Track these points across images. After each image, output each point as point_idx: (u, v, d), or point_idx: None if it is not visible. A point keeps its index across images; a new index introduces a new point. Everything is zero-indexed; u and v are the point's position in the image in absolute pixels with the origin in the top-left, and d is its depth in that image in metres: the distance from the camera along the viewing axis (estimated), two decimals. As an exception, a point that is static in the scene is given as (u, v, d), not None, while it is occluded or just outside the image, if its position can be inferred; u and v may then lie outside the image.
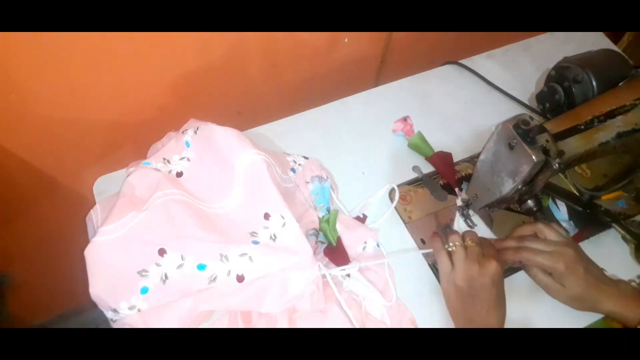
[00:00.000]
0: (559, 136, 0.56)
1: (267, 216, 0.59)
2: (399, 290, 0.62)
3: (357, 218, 0.68)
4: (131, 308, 0.53)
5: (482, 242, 0.60)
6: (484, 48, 0.90)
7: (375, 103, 0.81)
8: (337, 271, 0.59)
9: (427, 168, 0.75)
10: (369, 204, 0.70)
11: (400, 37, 0.89)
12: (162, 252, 0.54)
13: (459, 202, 0.69)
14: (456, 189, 0.71)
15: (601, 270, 0.59)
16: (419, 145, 0.75)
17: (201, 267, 0.54)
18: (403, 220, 0.69)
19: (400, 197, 0.70)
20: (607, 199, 0.72)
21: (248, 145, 0.61)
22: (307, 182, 0.67)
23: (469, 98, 0.83)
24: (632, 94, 0.59)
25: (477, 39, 0.91)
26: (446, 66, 0.87)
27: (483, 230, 0.67)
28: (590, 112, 0.58)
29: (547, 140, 0.54)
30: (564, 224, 0.70)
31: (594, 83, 0.63)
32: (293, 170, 0.68)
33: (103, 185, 0.69)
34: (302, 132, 0.77)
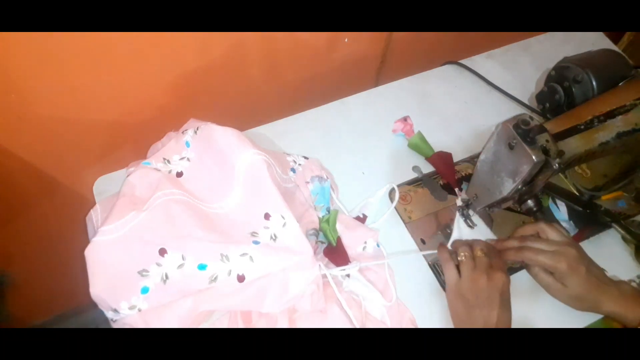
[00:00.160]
0: (559, 136, 0.56)
1: (267, 216, 0.59)
2: (399, 290, 0.62)
3: (357, 218, 0.68)
4: (131, 308, 0.53)
5: (490, 252, 0.60)
6: (484, 48, 0.90)
7: (375, 103, 0.81)
8: (337, 271, 0.59)
9: (427, 168, 0.75)
10: (369, 204, 0.70)
11: (400, 37, 0.89)
12: (162, 252, 0.54)
13: (459, 202, 0.69)
14: (456, 189, 0.71)
15: (602, 270, 0.59)
16: (419, 145, 0.75)
17: (202, 267, 0.54)
18: (403, 220, 0.69)
19: (400, 197, 0.70)
20: (607, 199, 0.72)
21: (248, 145, 0.61)
22: (307, 182, 0.67)
23: (469, 98, 0.83)
24: (632, 94, 0.59)
25: (477, 39, 0.91)
26: (446, 66, 0.87)
27: (483, 230, 0.67)
28: (590, 112, 0.58)
29: (547, 140, 0.54)
30: (564, 224, 0.70)
31: (594, 83, 0.63)
32: (293, 170, 0.68)
33: (103, 185, 0.69)
34: (302, 132, 0.77)
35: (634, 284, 0.64)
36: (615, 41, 1.08)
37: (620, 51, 0.89)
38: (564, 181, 0.74)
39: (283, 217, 0.59)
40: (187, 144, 0.65)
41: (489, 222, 0.69)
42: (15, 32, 0.53)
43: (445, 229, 0.69)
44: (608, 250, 0.68)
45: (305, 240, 0.58)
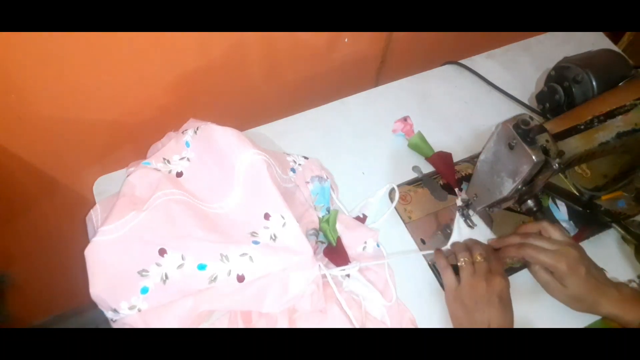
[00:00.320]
0: (559, 136, 0.56)
1: (267, 216, 0.59)
2: (399, 290, 0.62)
3: (357, 218, 0.68)
4: (131, 308, 0.53)
5: (489, 256, 0.60)
6: (484, 48, 0.90)
7: (375, 103, 0.81)
8: (337, 271, 0.59)
9: (427, 168, 0.75)
10: (369, 204, 0.70)
11: (400, 37, 0.89)
12: (162, 252, 0.54)
13: (459, 202, 0.69)
14: (456, 189, 0.71)
15: (603, 272, 0.59)
16: (419, 145, 0.75)
17: (201, 267, 0.54)
18: (403, 220, 0.69)
19: (400, 197, 0.70)
20: (607, 199, 0.72)
21: (248, 145, 0.61)
22: (307, 182, 0.67)
23: (469, 98, 0.83)
24: (632, 94, 0.59)
25: (477, 39, 0.91)
26: (446, 66, 0.87)
27: (483, 230, 0.67)
28: (590, 112, 0.58)
29: (547, 140, 0.54)
30: (564, 224, 0.70)
31: (594, 83, 0.63)
32: (293, 170, 0.68)
33: (103, 185, 0.69)
34: (302, 132, 0.77)
35: (634, 284, 0.64)
36: (615, 41, 1.08)
37: (620, 51, 0.89)
38: (564, 181, 0.74)
39: (283, 217, 0.59)
40: (187, 144, 0.65)
41: (489, 222, 0.69)
42: (15, 32, 0.53)
43: (445, 229, 0.69)
44: (608, 250, 0.68)
45: (305, 240, 0.58)
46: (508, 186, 0.56)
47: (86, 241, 0.55)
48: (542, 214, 0.64)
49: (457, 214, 0.68)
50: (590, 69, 0.63)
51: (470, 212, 0.67)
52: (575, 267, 0.57)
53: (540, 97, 0.71)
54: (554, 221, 0.69)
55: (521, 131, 0.52)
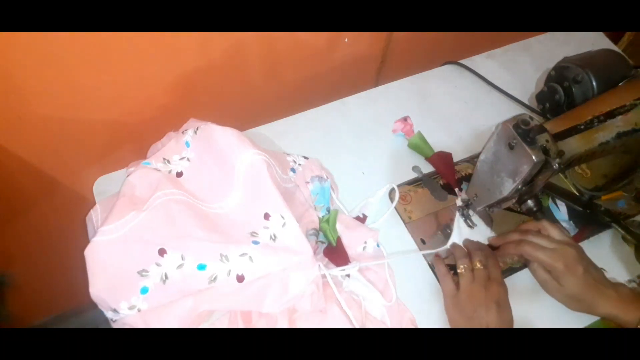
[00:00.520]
0: (559, 136, 0.56)
1: (267, 216, 0.59)
2: (399, 290, 0.62)
3: (357, 218, 0.68)
4: (131, 308, 0.53)
5: (488, 262, 0.60)
6: (484, 48, 0.89)
7: (375, 103, 0.81)
8: (337, 271, 0.59)
9: (427, 168, 0.75)
10: (369, 204, 0.70)
11: (400, 37, 0.89)
12: (162, 252, 0.54)
13: (459, 202, 0.69)
14: (456, 189, 0.71)
15: (602, 272, 0.59)
16: (419, 145, 0.75)
17: (201, 267, 0.54)
18: (403, 220, 0.69)
19: (400, 197, 0.70)
20: (607, 199, 0.72)
21: (248, 145, 0.61)
22: (307, 182, 0.67)
23: (469, 98, 0.83)
24: (632, 94, 0.59)
25: (477, 39, 0.91)
26: (446, 66, 0.87)
27: (483, 230, 0.67)
28: (590, 112, 0.58)
29: (547, 140, 0.54)
30: (564, 224, 0.70)
31: (594, 83, 0.63)
32: (293, 170, 0.68)
33: (103, 185, 0.69)
34: (302, 132, 0.77)
35: (634, 284, 0.64)
36: (615, 41, 1.08)
37: (620, 51, 0.89)
38: (564, 181, 0.74)
39: (283, 217, 0.59)
40: (187, 144, 0.65)
41: (489, 222, 0.69)
42: (15, 32, 0.53)
43: (445, 229, 0.69)
44: (608, 250, 0.68)
45: (305, 240, 0.58)
46: (508, 186, 0.56)
47: (86, 241, 0.55)
48: (542, 214, 0.64)
49: (457, 214, 0.68)
50: (590, 69, 0.63)
51: (470, 212, 0.67)
52: (572, 267, 0.57)
53: (540, 97, 0.71)
54: (554, 221, 0.69)
55: (521, 131, 0.52)
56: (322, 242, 0.64)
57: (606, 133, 0.58)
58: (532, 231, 0.62)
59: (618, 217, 0.70)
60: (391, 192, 0.71)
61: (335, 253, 0.62)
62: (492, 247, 0.65)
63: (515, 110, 0.81)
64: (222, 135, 0.62)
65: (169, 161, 0.64)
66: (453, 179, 0.72)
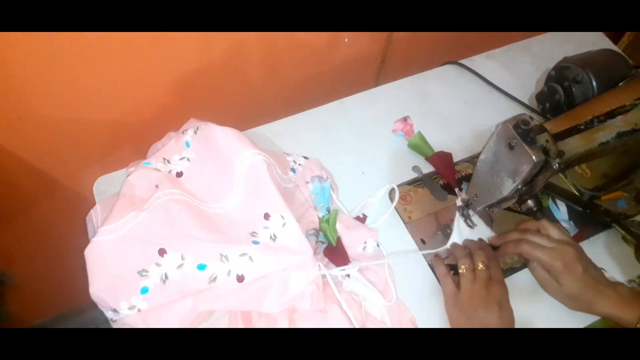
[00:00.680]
0: (559, 136, 0.56)
1: (267, 216, 0.59)
2: (399, 290, 0.62)
3: (357, 218, 0.68)
4: (131, 308, 0.53)
5: (489, 263, 0.60)
6: (484, 48, 0.89)
7: (375, 103, 0.81)
8: (337, 271, 0.59)
9: (427, 168, 0.75)
10: (369, 204, 0.70)
11: (400, 37, 0.89)
12: (162, 252, 0.54)
13: (459, 202, 0.69)
14: (456, 189, 0.71)
15: (601, 272, 0.59)
16: (419, 145, 0.75)
17: (201, 267, 0.54)
18: (403, 220, 0.69)
19: (400, 197, 0.70)
20: (607, 199, 0.72)
21: (248, 145, 0.61)
22: (307, 182, 0.67)
23: (469, 98, 0.83)
24: (632, 94, 0.59)
25: (477, 39, 0.91)
26: (446, 66, 0.87)
27: (483, 230, 0.67)
28: (590, 112, 0.58)
29: (547, 140, 0.54)
30: (564, 224, 0.70)
31: (594, 83, 0.63)
32: (293, 170, 0.68)
33: (103, 185, 0.69)
34: (302, 132, 0.77)
35: (633, 284, 0.64)
36: (615, 41, 1.08)
37: (620, 51, 0.89)
38: (564, 181, 0.74)
39: (283, 217, 0.59)
40: (187, 144, 0.65)
41: (489, 222, 0.69)
42: (15, 32, 0.53)
43: (445, 229, 0.69)
44: (608, 250, 0.68)
45: (305, 241, 0.58)
46: (508, 186, 0.56)
47: (86, 241, 0.55)
48: (542, 214, 0.64)
49: (457, 214, 0.68)
50: (590, 69, 0.63)
51: (470, 212, 0.68)
52: (571, 266, 0.57)
53: (540, 97, 0.71)
54: (554, 221, 0.69)
55: (521, 131, 0.52)
56: (322, 242, 0.64)
57: (606, 133, 0.58)
58: (531, 230, 0.62)
59: (618, 217, 0.70)
60: (391, 192, 0.71)
61: (335, 253, 0.62)
62: (492, 247, 0.65)
63: (515, 110, 0.81)
64: (222, 135, 0.62)
65: (169, 161, 0.64)
66: (453, 179, 0.72)
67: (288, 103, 0.85)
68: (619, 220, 0.69)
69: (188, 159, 0.65)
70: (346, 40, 0.84)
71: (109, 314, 0.53)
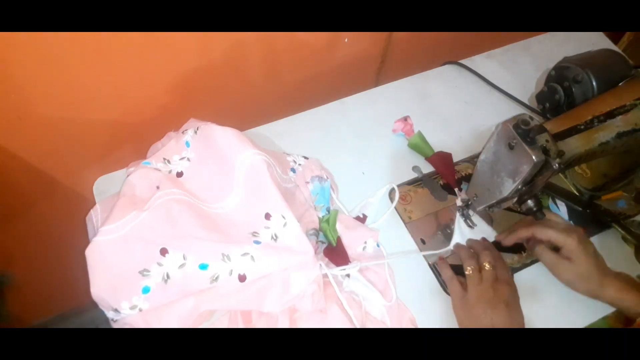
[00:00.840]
0: (559, 136, 0.56)
1: (268, 216, 0.59)
2: (399, 290, 0.62)
3: (357, 218, 0.68)
4: (132, 308, 0.53)
5: (496, 263, 0.61)
6: (484, 48, 0.90)
7: (375, 103, 0.81)
8: (337, 271, 0.59)
9: (427, 168, 0.75)
10: (369, 204, 0.70)
11: (400, 37, 0.89)
12: (163, 251, 0.54)
13: (459, 202, 0.69)
14: (456, 189, 0.71)
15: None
16: (419, 145, 0.75)
17: (203, 266, 0.54)
18: (403, 220, 0.69)
19: (400, 197, 0.70)
20: (607, 199, 0.72)
21: (248, 145, 0.61)
22: (307, 182, 0.67)
23: (469, 98, 0.83)
24: (632, 94, 0.59)
25: (477, 39, 0.91)
26: (446, 66, 0.87)
27: (483, 230, 0.67)
28: (590, 112, 0.58)
29: (547, 140, 0.54)
30: (564, 224, 0.70)
31: (594, 83, 0.63)
32: (293, 170, 0.68)
33: (103, 185, 0.69)
34: (302, 132, 0.77)
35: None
36: (615, 41, 1.08)
37: (620, 51, 0.89)
38: (564, 181, 0.74)
39: (284, 217, 0.59)
40: (187, 144, 0.65)
41: (489, 222, 0.69)
42: (15, 32, 0.53)
43: (445, 229, 0.69)
44: (608, 250, 0.68)
45: (307, 240, 0.58)
46: (508, 186, 0.56)
47: (86, 241, 0.55)
48: (542, 214, 0.64)
49: (457, 214, 0.68)
50: (590, 69, 0.63)
51: (470, 212, 0.68)
52: (584, 242, 0.59)
53: (540, 97, 0.71)
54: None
55: (521, 131, 0.52)
56: (322, 242, 0.64)
57: (606, 133, 0.58)
58: (537, 222, 0.63)
59: (618, 217, 0.70)
60: (391, 192, 0.71)
61: (336, 253, 0.62)
62: (498, 245, 0.65)
63: (515, 110, 0.81)
64: (222, 135, 0.62)
65: (169, 161, 0.64)
66: (453, 179, 0.72)
67: (288, 103, 0.85)
68: (619, 220, 0.69)
69: (188, 159, 0.65)
70: (346, 40, 0.84)
71: (110, 314, 0.53)
